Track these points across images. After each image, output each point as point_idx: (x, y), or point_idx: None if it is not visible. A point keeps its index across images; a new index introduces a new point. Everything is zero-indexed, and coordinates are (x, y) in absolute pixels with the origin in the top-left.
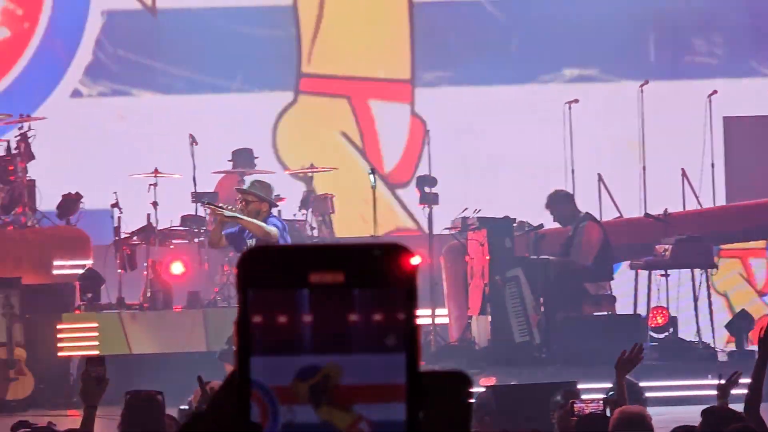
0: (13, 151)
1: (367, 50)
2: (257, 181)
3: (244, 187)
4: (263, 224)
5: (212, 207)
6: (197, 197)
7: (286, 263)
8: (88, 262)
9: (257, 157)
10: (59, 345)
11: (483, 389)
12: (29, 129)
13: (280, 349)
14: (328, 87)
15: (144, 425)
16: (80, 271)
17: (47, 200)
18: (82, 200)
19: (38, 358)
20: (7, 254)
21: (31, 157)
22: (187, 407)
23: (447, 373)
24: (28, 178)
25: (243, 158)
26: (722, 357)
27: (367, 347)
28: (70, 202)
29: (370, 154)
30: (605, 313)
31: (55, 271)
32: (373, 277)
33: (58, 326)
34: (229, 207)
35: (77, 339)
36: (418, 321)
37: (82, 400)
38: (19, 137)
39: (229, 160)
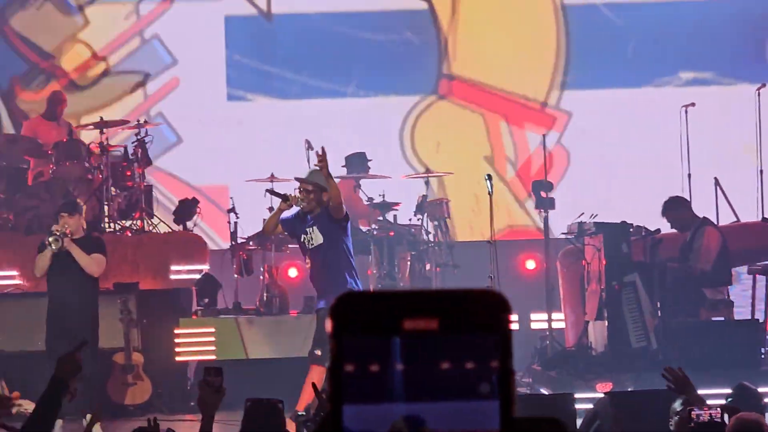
0: (131, 157)
1: (502, 58)
2: (316, 170)
3: (306, 176)
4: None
5: (280, 195)
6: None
7: (380, 310)
8: (205, 267)
9: (370, 160)
10: (177, 350)
11: (601, 395)
12: (146, 135)
13: (373, 398)
14: (460, 92)
15: None
16: (197, 276)
17: (164, 206)
18: (198, 205)
19: (156, 363)
20: (125, 260)
21: (149, 162)
22: (304, 413)
23: (541, 420)
24: (145, 184)
25: (356, 162)
26: None
27: (461, 395)
28: (187, 207)
29: (493, 160)
30: (722, 318)
31: (173, 276)
32: (467, 323)
33: (176, 331)
34: (292, 195)
35: (194, 344)
36: (512, 368)
37: (201, 410)
38: (136, 143)
39: (342, 166)
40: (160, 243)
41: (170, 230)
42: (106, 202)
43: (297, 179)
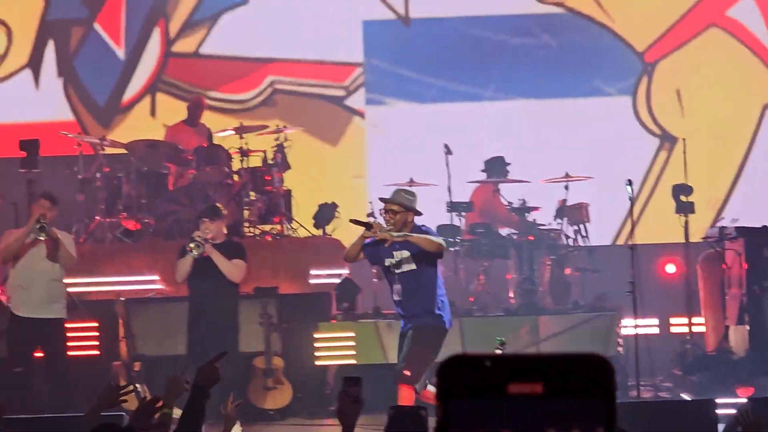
0: (270, 162)
1: None
2: (402, 189)
3: (388, 197)
4: (432, 237)
5: (363, 224)
6: (452, 207)
7: (485, 374)
8: (345, 272)
9: (509, 164)
10: (316, 354)
11: (743, 400)
12: (285, 140)
13: None
14: None
15: None
16: (336, 281)
17: (303, 210)
18: (337, 209)
19: (296, 367)
20: (265, 264)
21: (287, 167)
22: None
23: None
24: (284, 189)
25: (495, 167)
26: None
27: None
28: (326, 212)
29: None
30: None
31: (312, 281)
32: (573, 388)
33: (315, 335)
34: (376, 221)
35: (334, 348)
36: None
37: (340, 421)
38: (275, 148)
39: (482, 170)
40: (300, 247)
41: (310, 234)
42: (245, 207)
43: (381, 200)
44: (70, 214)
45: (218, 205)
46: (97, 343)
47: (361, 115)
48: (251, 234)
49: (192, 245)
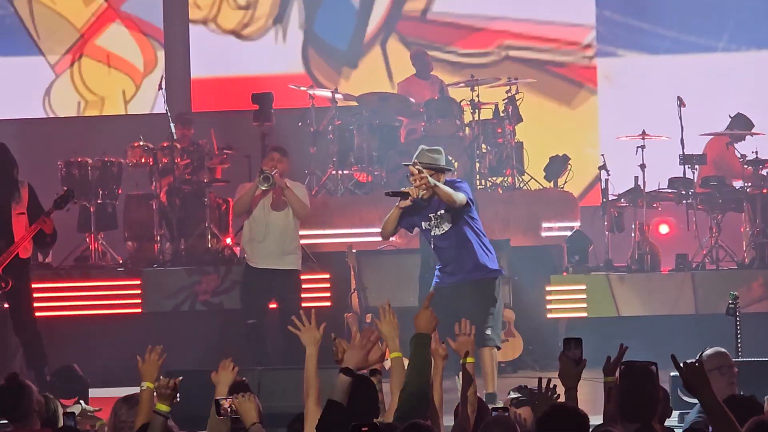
0: (501, 114)
1: None
2: (425, 149)
3: (414, 158)
4: (451, 191)
5: (400, 194)
6: (685, 160)
7: None
8: (576, 224)
9: (754, 126)
10: (548, 307)
11: None
12: (517, 92)
13: None
14: None
15: None
16: (568, 233)
17: (534, 162)
18: (569, 161)
19: (527, 320)
20: (496, 216)
21: (519, 119)
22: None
23: None
24: (515, 141)
25: (740, 123)
26: None
27: None
28: (557, 164)
29: None
30: None
31: (544, 233)
32: None
33: (547, 288)
34: (411, 188)
35: (565, 301)
36: None
37: (562, 383)
38: (506, 100)
39: (728, 127)
40: (532, 200)
41: (541, 187)
42: (477, 160)
43: (405, 165)
44: (302, 166)
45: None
46: (328, 294)
47: (593, 70)
48: (482, 186)
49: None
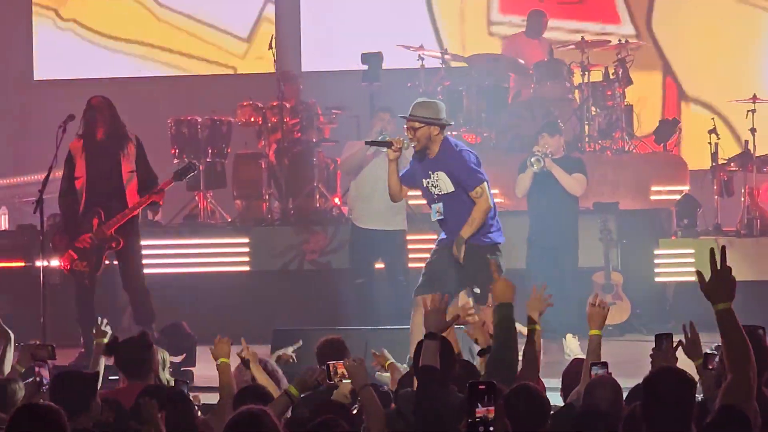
0: (611, 77)
1: None
2: (419, 102)
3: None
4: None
5: (382, 143)
6: None
7: None
8: (685, 188)
9: None
10: (656, 271)
11: None
12: (627, 54)
13: None
14: None
15: None
16: (677, 197)
17: (644, 125)
18: (679, 125)
19: (635, 283)
20: (605, 179)
21: (629, 82)
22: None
23: None
24: (625, 104)
25: None
26: None
27: None
28: (667, 127)
29: None
30: None
31: (653, 197)
32: None
33: (655, 252)
34: (398, 138)
35: (674, 265)
36: None
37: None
38: (617, 63)
39: None
40: (641, 163)
41: (651, 150)
42: (586, 122)
43: (402, 117)
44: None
45: (558, 120)
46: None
47: None
48: (591, 149)
49: (533, 159)
